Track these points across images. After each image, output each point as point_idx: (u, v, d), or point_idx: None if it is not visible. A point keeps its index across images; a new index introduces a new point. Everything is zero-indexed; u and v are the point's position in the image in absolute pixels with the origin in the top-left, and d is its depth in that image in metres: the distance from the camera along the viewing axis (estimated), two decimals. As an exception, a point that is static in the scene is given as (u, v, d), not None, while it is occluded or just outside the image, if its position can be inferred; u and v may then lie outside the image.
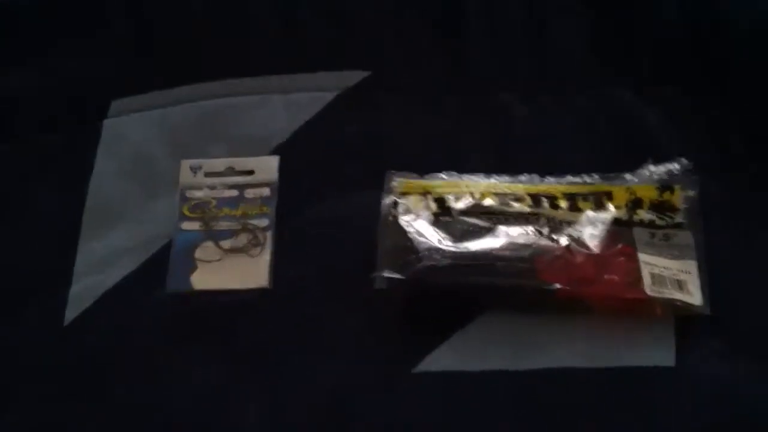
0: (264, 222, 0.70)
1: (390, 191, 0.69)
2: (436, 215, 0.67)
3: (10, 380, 0.65)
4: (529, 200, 0.68)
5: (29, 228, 0.73)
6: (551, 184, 0.69)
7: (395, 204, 0.68)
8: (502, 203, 0.68)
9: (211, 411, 0.63)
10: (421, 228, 0.66)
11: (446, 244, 0.65)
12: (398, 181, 0.70)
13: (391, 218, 0.67)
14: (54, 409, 0.64)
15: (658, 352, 0.62)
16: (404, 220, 0.67)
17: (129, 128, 0.77)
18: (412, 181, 0.70)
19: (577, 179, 0.69)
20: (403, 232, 0.66)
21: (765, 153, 0.70)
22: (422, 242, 0.65)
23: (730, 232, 0.67)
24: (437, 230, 0.66)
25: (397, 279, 0.64)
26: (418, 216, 0.67)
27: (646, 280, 0.63)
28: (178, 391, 0.64)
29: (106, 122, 0.78)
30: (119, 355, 0.66)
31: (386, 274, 0.64)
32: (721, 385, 0.61)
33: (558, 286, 0.63)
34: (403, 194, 0.69)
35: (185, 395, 0.63)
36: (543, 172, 0.70)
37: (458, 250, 0.65)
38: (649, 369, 0.61)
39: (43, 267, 0.70)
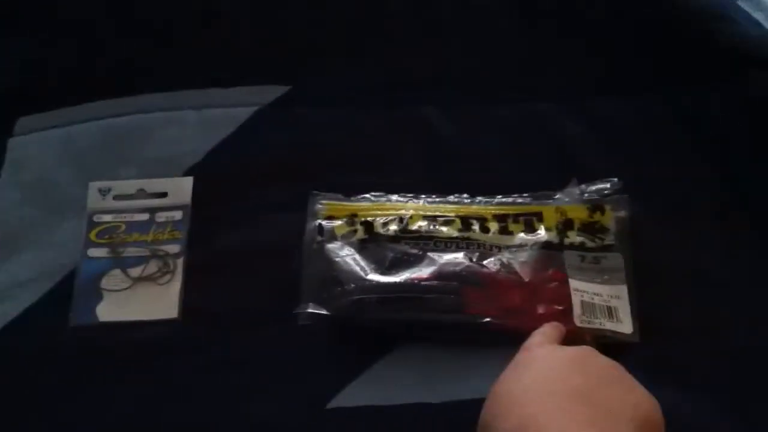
0: (175, 248, 0.66)
1: (314, 214, 0.66)
2: (362, 241, 0.64)
3: None
4: (458, 223, 0.65)
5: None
6: (481, 206, 0.67)
7: (320, 229, 0.65)
8: (432, 226, 0.65)
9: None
10: (347, 257, 0.63)
11: (373, 275, 0.62)
12: (323, 204, 0.66)
13: (315, 245, 0.64)
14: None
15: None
16: (329, 248, 0.64)
17: (33, 148, 0.72)
18: (337, 203, 0.67)
19: (508, 199, 0.67)
20: (328, 262, 0.63)
21: (694, 170, 0.69)
22: (348, 273, 0.62)
23: (657, 253, 0.65)
24: (364, 259, 0.63)
25: (322, 314, 0.60)
26: (344, 243, 0.64)
27: (576, 309, 0.61)
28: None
29: (11, 141, 0.73)
30: (19, 394, 0.61)
31: (311, 309, 0.60)
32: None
33: (486, 319, 0.60)
34: (329, 218, 0.66)
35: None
36: (471, 190, 0.68)
37: (386, 281, 0.62)
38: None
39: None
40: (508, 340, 0.59)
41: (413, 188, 0.68)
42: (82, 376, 0.61)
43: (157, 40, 0.78)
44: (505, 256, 0.63)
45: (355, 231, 0.65)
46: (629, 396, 0.49)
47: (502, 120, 0.73)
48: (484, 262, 0.63)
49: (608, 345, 0.59)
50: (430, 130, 0.72)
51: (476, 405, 0.57)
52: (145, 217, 0.67)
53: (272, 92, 0.74)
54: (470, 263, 0.63)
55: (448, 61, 0.77)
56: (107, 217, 0.67)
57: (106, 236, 0.66)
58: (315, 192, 0.67)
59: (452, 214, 0.66)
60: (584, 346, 0.53)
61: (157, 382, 0.61)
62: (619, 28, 0.77)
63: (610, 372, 0.50)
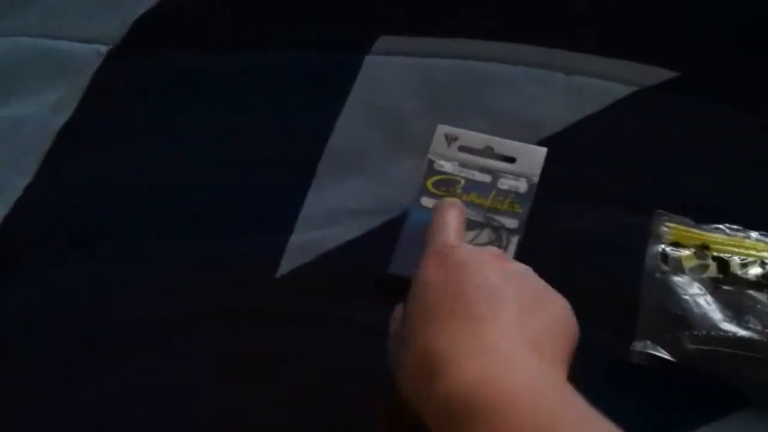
0: (513, 223, 0.61)
1: (658, 238, 0.58)
2: (716, 281, 0.56)
3: (214, 311, 0.60)
4: (837, 278, 0.55)
5: (262, 157, 0.67)
6: None
7: (665, 256, 0.57)
8: (802, 277, 0.55)
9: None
10: (698, 296, 0.55)
11: (729, 325, 0.53)
12: (669, 227, 0.59)
13: (658, 274, 0.57)
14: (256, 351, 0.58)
15: None
16: (677, 281, 0.56)
17: (389, 71, 0.70)
18: (686, 229, 0.59)
19: None
20: (674, 297, 0.55)
21: None
22: (700, 317, 0.54)
23: None
24: (717, 302, 0.55)
25: (663, 359, 0.53)
26: (693, 278, 0.56)
27: None
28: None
29: (368, 58, 0.70)
30: (324, 321, 0.59)
31: (650, 350, 0.53)
32: None
33: None
34: (674, 244, 0.58)
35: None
36: None
37: (745, 335, 0.53)
38: None
39: (269, 207, 0.65)
40: None
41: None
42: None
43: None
44: None
45: (707, 266, 0.57)
46: (552, 300, 0.48)
47: None
48: None
49: None
50: None
51: None
52: (487, 178, 0.63)
53: (657, 75, 0.66)
54: None
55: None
56: (448, 167, 0.63)
57: (443, 188, 0.63)
58: (661, 211, 0.59)
59: (830, 265, 0.56)
60: (491, 248, 0.53)
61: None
62: None
63: (527, 275, 0.50)
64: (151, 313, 0.61)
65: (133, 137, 0.70)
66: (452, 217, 0.54)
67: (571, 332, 0.47)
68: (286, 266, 0.62)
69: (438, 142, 0.65)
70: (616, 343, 0.55)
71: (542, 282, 0.49)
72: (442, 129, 0.65)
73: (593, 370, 0.53)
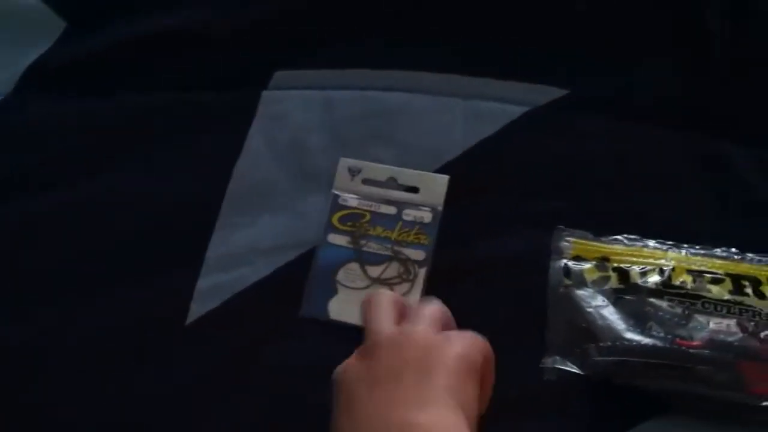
0: (420, 254, 0.61)
1: (560, 253, 0.60)
2: (617, 291, 0.57)
3: (126, 365, 0.60)
4: (729, 283, 0.57)
5: (162, 199, 0.66)
6: (754, 264, 0.58)
7: (567, 271, 0.59)
8: (698, 284, 0.57)
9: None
10: (601, 308, 0.56)
11: (633, 334, 0.55)
12: (570, 242, 0.60)
13: (562, 289, 0.58)
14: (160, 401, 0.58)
15: None
16: (580, 294, 0.57)
17: (289, 106, 0.69)
18: (586, 242, 0.60)
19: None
20: (578, 310, 0.56)
21: None
22: (604, 329, 0.55)
23: None
24: (619, 312, 0.56)
25: (572, 373, 0.55)
26: (595, 290, 0.57)
27: None
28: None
29: (265, 94, 0.70)
30: (239, 367, 0.59)
31: (559, 365, 0.55)
32: None
33: None
34: (576, 258, 0.59)
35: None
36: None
37: (649, 343, 0.54)
38: None
39: (173, 251, 0.64)
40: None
41: (681, 233, 0.60)
42: (304, 369, 0.58)
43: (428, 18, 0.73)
44: (787, 329, 0.55)
45: (608, 278, 0.58)
46: (442, 352, 0.48)
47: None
48: (762, 335, 0.55)
49: None
50: (729, 171, 0.64)
51: None
52: (392, 210, 0.63)
53: (548, 94, 0.67)
54: (745, 334, 0.55)
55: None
56: (353, 202, 0.64)
57: (349, 223, 0.63)
58: (561, 227, 0.61)
59: (721, 272, 0.58)
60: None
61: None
62: None
63: (418, 339, 0.49)
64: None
65: (30, 186, 0.68)
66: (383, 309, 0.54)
67: (478, 353, 0.49)
68: (195, 312, 0.61)
69: (341, 176, 0.65)
70: (529, 361, 0.56)
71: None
72: (345, 162, 0.65)
73: (507, 390, 0.53)
